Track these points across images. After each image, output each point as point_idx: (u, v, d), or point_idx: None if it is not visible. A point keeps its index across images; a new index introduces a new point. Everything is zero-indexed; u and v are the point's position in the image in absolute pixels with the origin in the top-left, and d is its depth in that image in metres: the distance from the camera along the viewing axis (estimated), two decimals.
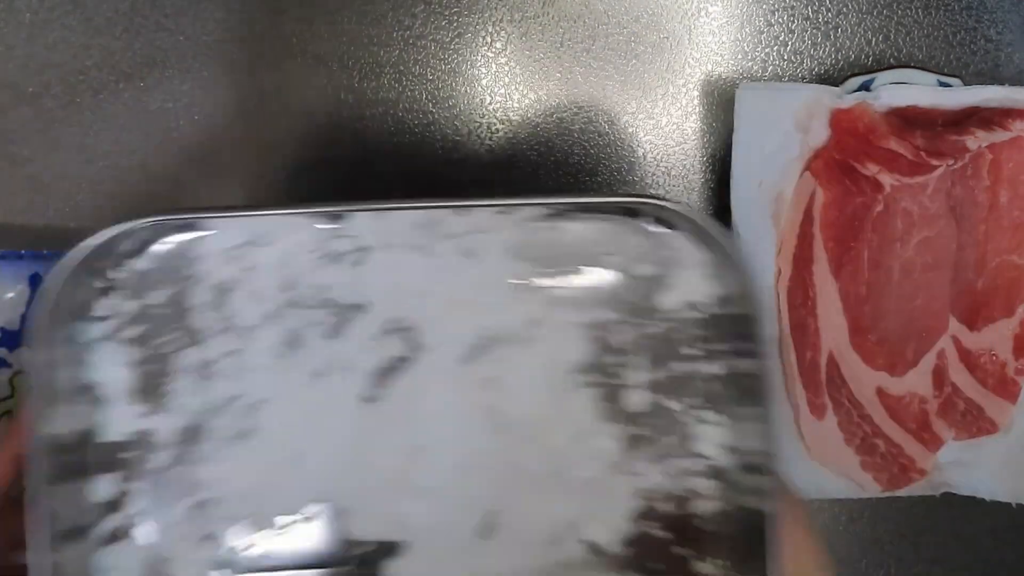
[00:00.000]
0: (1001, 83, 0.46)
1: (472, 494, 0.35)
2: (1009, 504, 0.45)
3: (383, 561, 0.34)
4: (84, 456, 0.33)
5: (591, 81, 0.47)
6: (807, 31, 0.47)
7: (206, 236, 0.34)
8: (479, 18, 0.47)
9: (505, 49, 0.47)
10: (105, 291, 0.33)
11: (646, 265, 0.35)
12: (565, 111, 0.47)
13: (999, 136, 0.43)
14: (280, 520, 0.34)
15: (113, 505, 0.33)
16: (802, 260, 0.44)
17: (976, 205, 0.44)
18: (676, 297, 0.35)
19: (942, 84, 0.44)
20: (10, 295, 0.44)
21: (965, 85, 0.44)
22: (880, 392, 0.44)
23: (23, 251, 0.44)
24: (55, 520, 0.30)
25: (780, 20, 0.47)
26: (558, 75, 0.47)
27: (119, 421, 0.33)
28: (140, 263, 0.33)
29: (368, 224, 0.34)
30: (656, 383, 0.35)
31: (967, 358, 0.45)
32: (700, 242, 0.33)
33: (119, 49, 0.46)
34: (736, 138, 0.44)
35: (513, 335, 0.35)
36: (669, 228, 0.34)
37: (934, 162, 0.42)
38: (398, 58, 0.46)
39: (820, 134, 0.44)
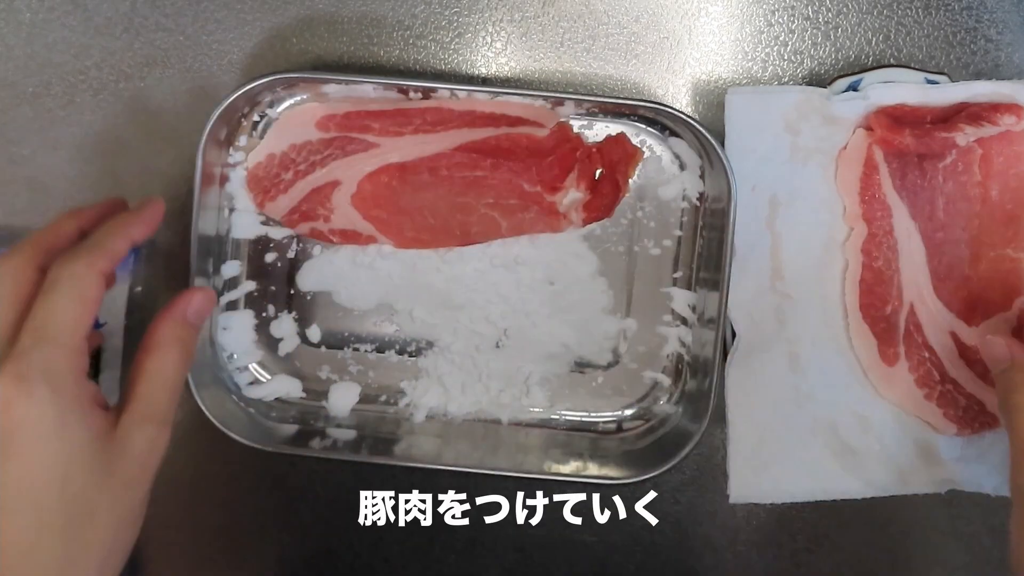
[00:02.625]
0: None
1: (493, 316, 0.46)
2: (1009, 504, 0.45)
3: (421, 353, 0.47)
4: (221, 247, 0.45)
5: (591, 81, 0.47)
6: (807, 31, 0.47)
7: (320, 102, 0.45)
8: (479, 18, 0.47)
9: (505, 49, 0.47)
10: (245, 127, 0.45)
11: (654, 161, 0.46)
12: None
13: (987, 131, 0.43)
14: (356, 311, 0.47)
15: (233, 282, 0.46)
16: (876, 213, 0.45)
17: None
18: (673, 190, 0.46)
19: (929, 82, 0.44)
20: None
21: (952, 81, 0.44)
22: (954, 337, 0.45)
23: None
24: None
25: (780, 20, 0.47)
26: (558, 76, 0.47)
27: (247, 226, 0.45)
28: (272, 110, 0.45)
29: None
30: (645, 253, 0.46)
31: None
32: (698, 147, 0.45)
33: (119, 49, 0.46)
34: (728, 143, 0.44)
35: None
36: (675, 135, 0.45)
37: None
38: (398, 58, 0.46)
39: (810, 136, 0.44)
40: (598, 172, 0.45)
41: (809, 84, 0.46)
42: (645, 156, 0.46)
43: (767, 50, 0.47)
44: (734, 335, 0.44)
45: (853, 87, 0.44)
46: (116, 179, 0.46)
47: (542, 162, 0.45)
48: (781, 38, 0.47)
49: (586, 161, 0.45)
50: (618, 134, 0.45)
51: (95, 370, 0.45)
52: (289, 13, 0.46)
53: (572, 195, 0.46)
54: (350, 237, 0.45)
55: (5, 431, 0.30)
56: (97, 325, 0.45)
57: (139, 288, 0.46)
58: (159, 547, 0.46)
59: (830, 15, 0.47)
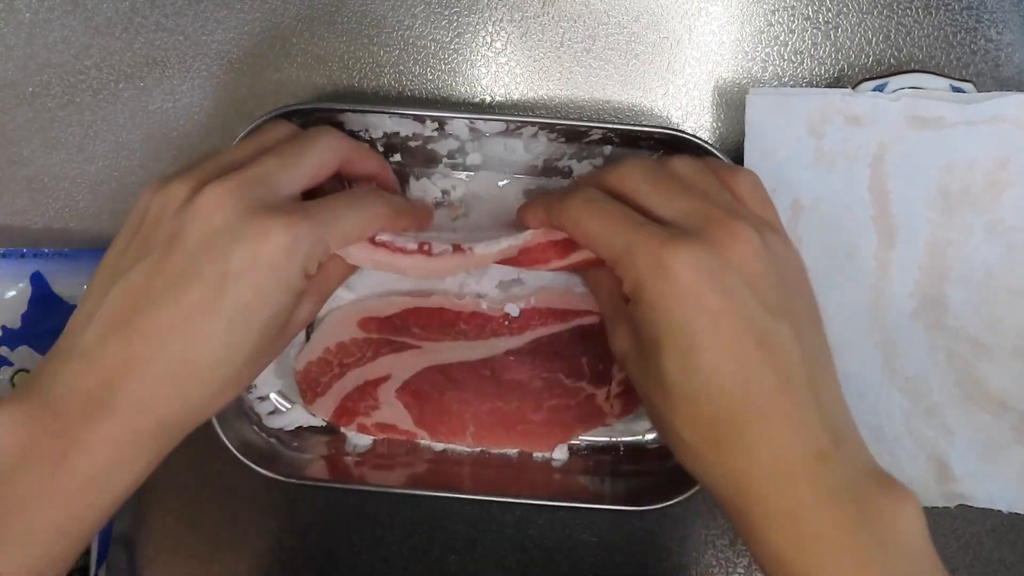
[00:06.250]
0: (1001, 83, 0.46)
1: None
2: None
3: None
4: None
5: (591, 81, 0.47)
6: (807, 31, 0.47)
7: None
8: (479, 18, 0.47)
9: (505, 49, 0.47)
10: None
11: None
12: (565, 111, 0.47)
13: None
14: None
15: None
16: None
17: None
18: None
19: (955, 89, 0.44)
20: (11, 294, 0.44)
21: (978, 90, 0.44)
22: None
23: (24, 250, 0.44)
24: None
25: (780, 20, 0.47)
26: (558, 75, 0.47)
27: None
28: None
29: (462, 130, 0.43)
30: None
31: None
32: None
33: (119, 49, 0.46)
34: (747, 144, 0.43)
35: None
36: None
37: None
38: (398, 58, 0.46)
39: (834, 138, 0.43)
40: None
41: (811, 84, 0.47)
42: None
43: (767, 50, 0.47)
44: None
45: (879, 91, 0.44)
46: (116, 179, 0.46)
47: (592, 352, 0.45)
48: (781, 38, 0.47)
49: None
50: None
51: None
52: (289, 13, 0.46)
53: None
54: (388, 430, 0.45)
55: (249, 254, 0.32)
56: None
57: None
58: (159, 546, 0.46)
59: (830, 15, 0.47)
